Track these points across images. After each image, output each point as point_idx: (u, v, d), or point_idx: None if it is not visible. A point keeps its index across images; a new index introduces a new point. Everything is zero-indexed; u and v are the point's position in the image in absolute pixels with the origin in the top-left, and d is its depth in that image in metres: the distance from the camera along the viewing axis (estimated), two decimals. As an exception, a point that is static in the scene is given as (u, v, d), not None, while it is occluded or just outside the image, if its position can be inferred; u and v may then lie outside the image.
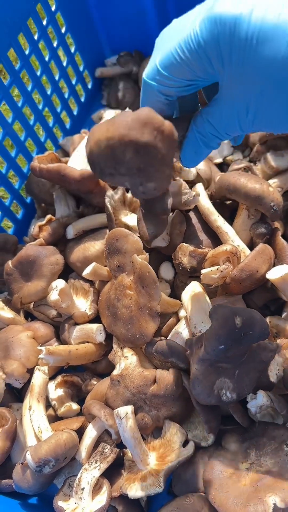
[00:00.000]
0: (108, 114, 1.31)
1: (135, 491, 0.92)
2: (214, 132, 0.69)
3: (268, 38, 0.55)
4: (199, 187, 1.18)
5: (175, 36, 0.63)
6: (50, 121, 1.55)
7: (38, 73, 1.43)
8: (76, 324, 1.19)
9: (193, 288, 1.08)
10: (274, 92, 0.59)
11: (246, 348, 0.91)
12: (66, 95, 1.60)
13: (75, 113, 1.66)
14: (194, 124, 0.71)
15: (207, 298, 1.07)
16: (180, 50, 0.62)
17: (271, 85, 0.59)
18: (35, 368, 1.09)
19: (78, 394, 1.19)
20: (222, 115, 0.66)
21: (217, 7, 0.58)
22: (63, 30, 1.52)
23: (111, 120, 0.66)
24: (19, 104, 1.37)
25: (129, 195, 1.25)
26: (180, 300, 1.15)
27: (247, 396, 0.97)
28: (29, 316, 1.32)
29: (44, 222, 1.35)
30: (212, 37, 0.59)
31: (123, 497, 0.99)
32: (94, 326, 1.16)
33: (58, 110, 1.57)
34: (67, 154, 1.53)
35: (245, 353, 0.92)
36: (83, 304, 1.23)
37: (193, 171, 1.19)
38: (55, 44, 1.48)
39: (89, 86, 1.73)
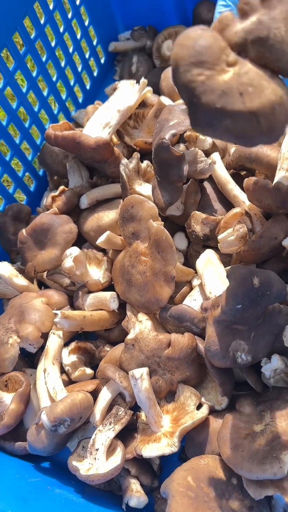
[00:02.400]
0: (123, 84, 1.30)
1: (150, 451, 0.93)
2: None
3: None
4: (216, 155, 1.17)
5: None
6: (63, 94, 1.54)
7: (53, 44, 1.42)
8: (89, 292, 1.20)
9: (207, 254, 1.08)
10: None
11: (262, 310, 0.91)
12: (79, 69, 1.59)
13: (87, 87, 1.66)
14: None
15: (222, 264, 1.07)
16: None
17: None
18: (50, 332, 1.10)
19: (91, 361, 1.20)
20: None
21: None
22: (77, 2, 1.51)
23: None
24: (34, 75, 1.37)
25: (143, 164, 1.25)
26: (194, 270, 1.15)
27: (261, 360, 0.97)
28: (42, 286, 1.32)
29: (57, 193, 1.36)
30: None
31: (137, 460, 1.00)
32: (108, 293, 1.16)
33: (72, 83, 1.57)
34: (79, 126, 1.53)
35: (261, 315, 0.92)
36: (96, 273, 1.23)
37: (209, 140, 1.18)
38: (69, 16, 1.48)
39: (102, 61, 1.72)
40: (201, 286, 1.09)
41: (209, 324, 0.94)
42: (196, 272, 1.15)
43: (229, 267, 1.10)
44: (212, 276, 1.04)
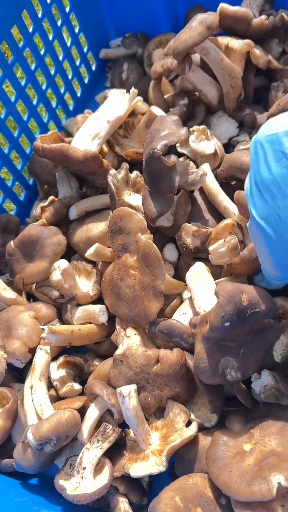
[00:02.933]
0: (113, 93, 1.28)
1: (138, 470, 0.91)
2: None
3: None
4: (206, 167, 1.16)
5: None
6: (54, 102, 1.53)
7: (42, 52, 1.41)
8: (78, 305, 1.18)
9: (197, 268, 1.07)
10: None
11: (251, 327, 0.90)
12: (70, 76, 1.58)
13: (78, 95, 1.64)
14: None
15: (212, 278, 1.06)
16: None
17: None
18: (37, 348, 1.08)
19: (80, 376, 1.18)
20: None
21: None
22: (67, 10, 1.49)
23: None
24: (22, 84, 1.35)
25: (132, 175, 1.23)
26: (184, 282, 1.13)
27: (251, 376, 0.96)
28: (31, 298, 1.31)
29: (46, 203, 1.34)
30: None
31: (125, 478, 0.98)
32: (97, 307, 1.15)
33: (62, 91, 1.55)
34: (70, 135, 1.51)
35: (250, 331, 0.91)
36: (85, 285, 1.21)
37: (212, 146, 1.17)
38: (59, 23, 1.46)
39: (93, 68, 1.71)
40: (191, 299, 1.07)
41: (198, 341, 0.93)
42: (186, 285, 1.14)
43: (220, 279, 1.09)
44: (202, 290, 1.03)
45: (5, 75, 1.28)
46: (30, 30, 1.34)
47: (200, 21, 1.12)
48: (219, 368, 0.91)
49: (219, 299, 0.87)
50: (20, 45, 1.31)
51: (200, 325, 0.93)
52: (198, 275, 1.05)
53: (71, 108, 1.62)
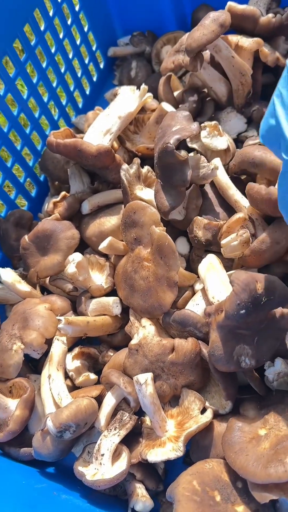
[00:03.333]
0: (123, 90, 1.31)
1: (155, 456, 0.93)
2: None
3: None
4: (217, 161, 1.18)
5: None
6: (64, 100, 1.55)
7: (53, 50, 1.43)
8: (92, 297, 1.20)
9: (209, 259, 1.09)
10: None
11: (265, 315, 0.92)
12: (79, 74, 1.60)
13: (87, 92, 1.67)
14: None
15: (224, 269, 1.08)
16: None
17: None
18: (54, 338, 1.10)
19: (95, 367, 1.20)
20: None
21: None
22: (77, 8, 1.52)
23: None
24: (34, 81, 1.37)
25: (144, 170, 1.26)
26: (196, 274, 1.15)
27: (264, 363, 0.98)
28: (45, 291, 1.33)
29: (58, 198, 1.36)
30: None
31: (142, 465, 1.00)
32: (111, 299, 1.17)
33: (71, 88, 1.58)
34: (80, 132, 1.53)
35: (264, 320, 0.93)
36: (99, 278, 1.24)
37: (225, 142, 1.19)
38: (69, 22, 1.48)
39: (101, 66, 1.73)
40: (203, 290, 1.10)
41: (212, 329, 0.95)
42: (198, 277, 1.16)
43: (231, 271, 1.11)
44: (215, 281, 1.05)
45: (18, 72, 1.30)
46: (42, 28, 1.36)
47: (213, 19, 1.15)
48: (234, 355, 0.93)
49: (234, 288, 0.89)
50: (32, 43, 1.33)
51: (215, 314, 0.95)
52: (211, 267, 1.07)
53: (80, 105, 1.64)
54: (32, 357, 1.12)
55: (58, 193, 1.45)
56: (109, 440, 0.96)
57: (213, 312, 0.96)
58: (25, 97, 1.35)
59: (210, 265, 1.08)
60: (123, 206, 1.26)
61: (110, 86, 1.72)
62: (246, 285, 0.88)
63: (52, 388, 1.03)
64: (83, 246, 1.30)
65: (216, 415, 1.01)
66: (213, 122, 1.22)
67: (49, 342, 1.12)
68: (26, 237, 1.25)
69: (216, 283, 1.05)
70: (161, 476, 1.05)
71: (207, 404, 1.02)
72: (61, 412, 0.93)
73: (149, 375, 0.95)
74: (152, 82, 1.48)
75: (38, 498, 0.88)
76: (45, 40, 1.38)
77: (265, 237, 1.00)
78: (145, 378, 0.95)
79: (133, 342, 1.04)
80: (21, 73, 1.30)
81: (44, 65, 1.40)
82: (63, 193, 1.36)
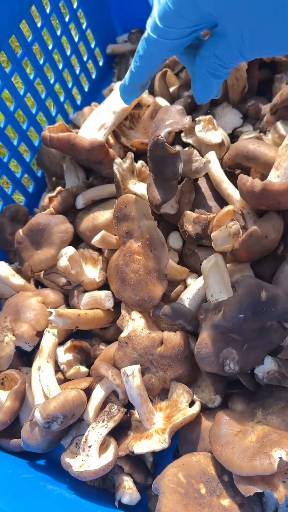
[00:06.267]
0: (118, 85, 1.31)
1: (141, 447, 0.93)
2: (219, 62, 0.71)
3: None
4: (211, 155, 1.18)
5: None
6: (62, 97, 1.56)
7: (50, 47, 1.44)
8: (85, 291, 1.21)
9: (216, 258, 1.06)
10: (266, 17, 0.61)
11: (261, 324, 0.91)
12: (77, 71, 1.61)
13: (86, 89, 1.68)
14: (199, 57, 0.74)
15: (228, 272, 1.06)
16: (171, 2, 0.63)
17: (262, 10, 0.60)
18: (45, 331, 1.11)
19: (87, 360, 1.21)
20: (222, 46, 0.69)
21: None
22: (75, 6, 1.53)
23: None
24: (31, 77, 1.38)
25: (138, 164, 1.26)
26: (188, 268, 1.15)
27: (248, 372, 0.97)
28: (39, 285, 1.33)
29: (54, 193, 1.37)
30: None
31: (130, 458, 1.00)
32: (103, 292, 1.17)
33: (70, 86, 1.58)
34: (77, 128, 1.54)
35: (258, 329, 0.92)
36: (92, 272, 1.24)
37: (219, 136, 1.19)
38: (67, 19, 1.49)
39: (100, 64, 1.74)
40: (200, 286, 1.08)
41: (204, 327, 0.94)
42: (190, 271, 1.16)
43: (238, 276, 1.09)
44: (217, 280, 1.03)
45: (14, 68, 1.31)
46: (39, 25, 1.37)
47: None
48: (220, 357, 0.92)
49: (239, 290, 0.88)
50: (29, 39, 1.34)
51: (211, 312, 0.94)
52: (216, 266, 1.05)
53: (78, 102, 1.65)
54: (25, 350, 1.13)
55: (55, 188, 1.45)
56: (96, 432, 0.96)
57: (210, 310, 0.95)
58: (22, 93, 1.36)
59: (215, 264, 1.05)
60: (116, 200, 1.27)
61: (109, 83, 1.73)
62: (251, 291, 0.87)
63: (42, 380, 1.04)
64: (78, 241, 1.30)
65: (205, 409, 1.01)
66: (208, 116, 1.22)
67: (40, 335, 1.13)
68: (20, 231, 1.26)
69: (218, 282, 1.03)
70: (150, 470, 1.04)
71: (195, 397, 1.01)
72: (48, 403, 0.94)
73: (136, 367, 0.95)
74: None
75: (24, 487, 0.88)
76: (42, 37, 1.39)
77: (253, 230, 1.00)
78: (132, 370, 0.94)
79: (122, 335, 1.04)
80: (17, 69, 1.32)
81: (41, 62, 1.42)
82: (58, 188, 1.37)
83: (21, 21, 1.30)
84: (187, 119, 1.10)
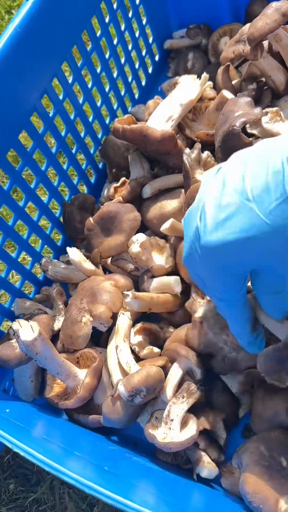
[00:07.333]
0: (184, 79, 1.36)
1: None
2: (274, 289, 0.79)
3: None
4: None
5: None
6: (122, 91, 1.61)
7: (115, 41, 1.49)
8: (153, 276, 1.25)
9: None
10: None
11: None
12: (136, 66, 1.66)
13: (143, 84, 1.72)
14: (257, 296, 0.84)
15: None
16: None
17: None
18: (119, 313, 1.16)
19: (155, 343, 1.25)
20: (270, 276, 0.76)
21: None
22: (137, 1, 1.58)
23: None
24: (98, 71, 1.44)
25: (204, 155, 1.30)
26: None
27: None
28: (106, 272, 1.39)
29: (119, 184, 1.42)
30: None
31: (204, 434, 1.05)
32: (172, 278, 1.22)
33: (129, 80, 1.64)
34: (138, 120, 1.59)
35: None
36: (158, 259, 1.29)
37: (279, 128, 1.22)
38: (130, 15, 1.55)
39: (156, 58, 1.79)
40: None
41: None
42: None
43: None
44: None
45: (84, 62, 1.37)
46: (107, 20, 1.42)
47: (276, 8, 1.18)
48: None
49: None
50: (98, 34, 1.40)
51: None
52: None
53: (136, 96, 1.70)
54: (97, 330, 1.18)
55: (115, 179, 1.51)
56: (178, 407, 1.01)
57: None
58: (89, 86, 1.42)
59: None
60: (183, 190, 1.31)
61: (164, 78, 1.78)
62: None
63: (120, 358, 1.09)
64: (142, 229, 1.35)
65: (279, 389, 1.05)
66: (275, 108, 1.25)
67: (113, 317, 1.18)
68: (91, 218, 1.31)
69: None
70: (222, 447, 1.09)
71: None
72: (132, 377, 0.99)
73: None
74: (209, 73, 1.52)
75: (114, 457, 0.94)
76: (109, 32, 1.44)
77: None
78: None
79: (197, 315, 1.09)
80: (87, 63, 1.37)
81: (107, 56, 1.47)
82: (123, 178, 1.42)
83: (92, 16, 1.35)
84: (258, 110, 1.14)
